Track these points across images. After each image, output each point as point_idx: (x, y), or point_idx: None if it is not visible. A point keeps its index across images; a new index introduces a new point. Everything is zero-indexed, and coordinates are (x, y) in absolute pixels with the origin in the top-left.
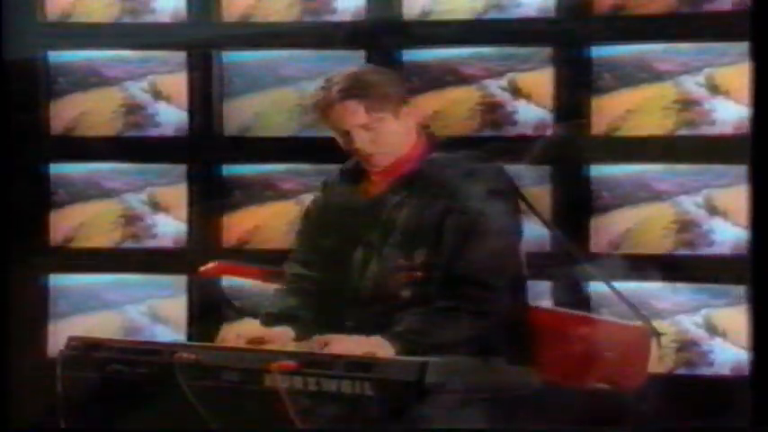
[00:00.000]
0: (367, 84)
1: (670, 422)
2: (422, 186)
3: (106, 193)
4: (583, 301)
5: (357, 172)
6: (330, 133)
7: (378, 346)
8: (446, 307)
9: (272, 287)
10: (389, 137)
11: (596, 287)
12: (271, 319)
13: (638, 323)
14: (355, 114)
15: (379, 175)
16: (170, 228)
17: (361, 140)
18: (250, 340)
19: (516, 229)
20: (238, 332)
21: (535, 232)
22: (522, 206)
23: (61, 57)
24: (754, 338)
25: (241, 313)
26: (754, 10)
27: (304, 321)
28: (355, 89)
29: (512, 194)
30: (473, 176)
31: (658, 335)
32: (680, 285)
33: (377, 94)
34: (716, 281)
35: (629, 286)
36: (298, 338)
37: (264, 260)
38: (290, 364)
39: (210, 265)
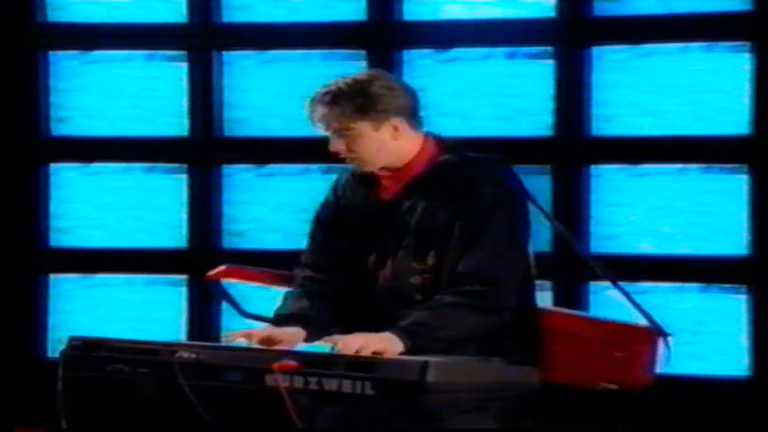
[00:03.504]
0: (348, 94)
1: (672, 423)
2: (433, 188)
3: (106, 193)
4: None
5: (368, 176)
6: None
7: (386, 342)
8: (454, 302)
9: (279, 291)
10: (365, 146)
11: (599, 288)
12: (282, 320)
13: (646, 324)
14: (327, 120)
15: (390, 179)
16: (170, 228)
17: (336, 145)
18: (260, 340)
19: (525, 229)
20: (248, 333)
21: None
22: (532, 208)
23: (61, 57)
24: (754, 339)
25: (249, 317)
26: (756, 11)
27: (316, 322)
28: (334, 97)
29: (521, 196)
30: (483, 177)
31: (666, 335)
32: (681, 285)
33: (354, 105)
34: (717, 281)
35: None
36: (309, 339)
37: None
38: (291, 363)
39: (219, 268)
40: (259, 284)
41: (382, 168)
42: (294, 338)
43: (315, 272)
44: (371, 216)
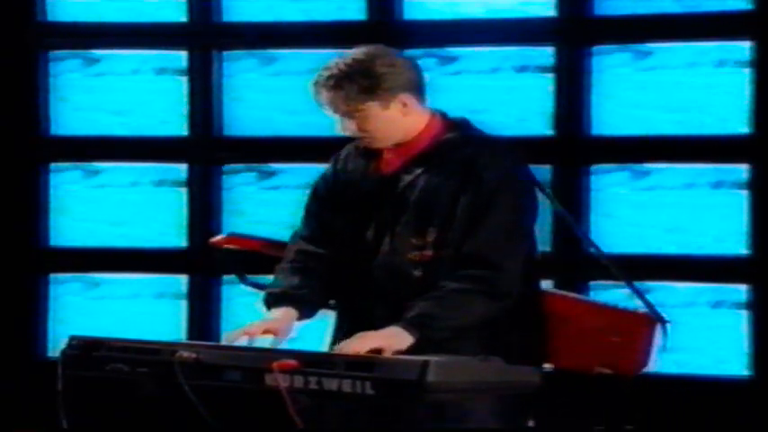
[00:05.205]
0: (350, 75)
1: (673, 423)
2: (436, 164)
3: (105, 193)
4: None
5: (370, 149)
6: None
7: (395, 336)
8: (459, 289)
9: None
10: (376, 124)
11: (599, 287)
12: (273, 299)
13: (645, 310)
14: (336, 103)
15: (393, 152)
16: (170, 227)
17: (347, 126)
18: (262, 333)
19: (530, 212)
20: (247, 330)
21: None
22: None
23: (61, 56)
24: (754, 339)
25: (252, 286)
26: (757, 10)
27: (307, 300)
28: (337, 80)
29: (526, 177)
30: (487, 157)
31: (664, 322)
32: (681, 284)
33: (359, 86)
34: (717, 281)
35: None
36: (301, 318)
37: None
38: (291, 363)
39: (221, 236)
40: (261, 252)
41: (369, 146)
42: (287, 320)
43: (309, 244)
44: (371, 189)
